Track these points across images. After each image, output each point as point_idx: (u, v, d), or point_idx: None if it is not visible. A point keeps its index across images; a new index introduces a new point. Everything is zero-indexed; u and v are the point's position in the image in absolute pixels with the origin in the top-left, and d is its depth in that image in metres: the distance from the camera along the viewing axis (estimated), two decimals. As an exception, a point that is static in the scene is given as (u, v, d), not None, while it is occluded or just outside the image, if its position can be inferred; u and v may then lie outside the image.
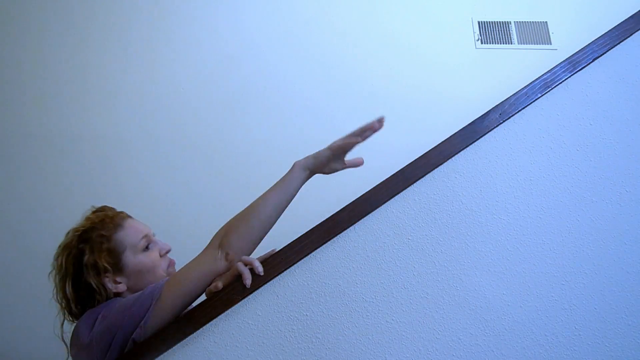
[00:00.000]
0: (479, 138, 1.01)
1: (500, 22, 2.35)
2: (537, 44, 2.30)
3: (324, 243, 0.93)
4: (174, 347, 0.88)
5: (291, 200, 1.01)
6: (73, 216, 1.81)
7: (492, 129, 1.02)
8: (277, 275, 0.91)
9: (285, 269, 0.92)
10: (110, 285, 1.03)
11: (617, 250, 0.96)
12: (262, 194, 1.02)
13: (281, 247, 0.94)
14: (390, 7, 2.34)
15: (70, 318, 1.07)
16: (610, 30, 1.11)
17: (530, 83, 1.06)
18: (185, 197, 1.92)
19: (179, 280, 0.96)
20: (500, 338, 0.90)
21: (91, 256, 1.02)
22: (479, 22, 2.35)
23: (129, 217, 1.14)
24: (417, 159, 1.00)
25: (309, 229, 0.95)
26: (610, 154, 1.02)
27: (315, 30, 2.26)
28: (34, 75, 2.04)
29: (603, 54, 1.09)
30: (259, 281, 0.90)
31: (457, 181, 0.99)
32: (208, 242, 1.00)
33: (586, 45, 1.09)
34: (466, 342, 0.90)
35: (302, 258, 0.93)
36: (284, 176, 1.03)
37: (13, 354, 1.69)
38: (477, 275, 0.93)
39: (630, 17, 1.13)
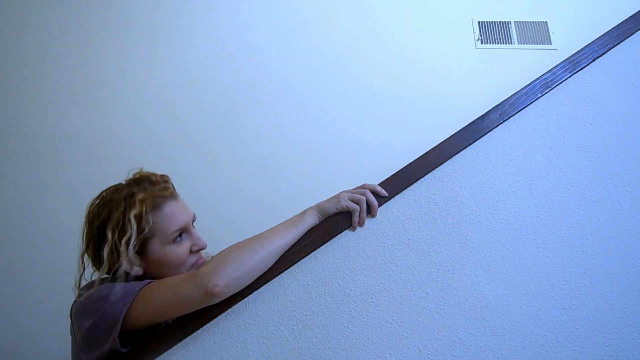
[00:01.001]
0: (479, 138, 1.01)
1: (500, 22, 2.35)
2: (537, 44, 2.30)
3: (324, 243, 0.93)
4: (174, 347, 0.88)
5: (289, 245, 0.92)
6: (71, 216, 1.82)
7: (492, 129, 1.02)
8: (277, 275, 0.91)
9: (285, 269, 0.92)
10: (126, 265, 0.92)
11: (617, 250, 0.96)
12: (270, 228, 0.93)
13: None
14: (390, 7, 2.34)
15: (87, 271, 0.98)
16: (610, 30, 1.11)
17: (530, 83, 1.06)
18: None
19: (156, 294, 0.85)
20: (500, 338, 0.90)
21: (124, 222, 0.93)
22: (479, 22, 2.35)
23: (174, 198, 1.02)
24: (417, 159, 1.00)
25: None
26: (610, 154, 1.02)
27: (315, 30, 2.26)
28: (34, 75, 2.04)
29: (603, 54, 1.09)
30: (259, 281, 0.90)
31: (457, 181, 0.99)
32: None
33: (586, 45, 1.09)
34: (466, 342, 0.90)
35: (302, 258, 0.92)
36: (294, 218, 0.94)
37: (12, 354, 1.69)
38: (477, 275, 0.93)
39: (630, 17, 1.13)
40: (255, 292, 0.90)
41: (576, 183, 1.00)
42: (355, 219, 0.93)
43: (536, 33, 2.32)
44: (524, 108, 1.03)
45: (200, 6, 2.22)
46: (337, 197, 0.96)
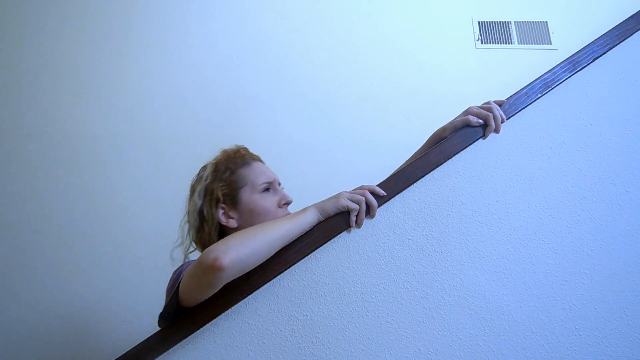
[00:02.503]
0: (479, 138, 1.01)
1: (500, 22, 2.35)
2: (537, 44, 2.30)
3: (324, 243, 0.93)
4: (174, 347, 0.88)
5: (293, 239, 0.93)
6: (70, 216, 1.82)
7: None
8: (277, 275, 0.91)
9: (285, 269, 0.92)
10: (222, 218, 1.07)
11: (617, 250, 0.96)
12: (271, 220, 0.97)
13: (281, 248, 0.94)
14: (390, 7, 2.34)
15: (194, 247, 1.12)
16: (610, 30, 1.11)
17: (530, 83, 1.06)
18: (182, 198, 1.92)
19: (184, 282, 0.90)
20: (500, 338, 0.90)
21: (211, 183, 1.08)
22: (479, 22, 2.35)
23: (261, 161, 1.17)
24: (417, 159, 1.00)
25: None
26: (610, 154, 1.02)
27: (314, 30, 2.26)
28: (31, 76, 2.03)
29: (603, 54, 1.09)
30: (259, 281, 0.90)
31: (457, 181, 0.99)
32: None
33: (586, 45, 1.09)
34: (466, 342, 0.90)
35: (302, 258, 0.92)
36: (295, 213, 0.96)
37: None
38: (477, 275, 0.93)
39: (630, 17, 1.13)
40: (255, 292, 0.90)
41: (576, 183, 1.00)
42: (353, 218, 0.93)
43: (536, 33, 2.32)
44: (524, 108, 1.03)
45: (197, 6, 2.22)
46: (337, 196, 0.96)
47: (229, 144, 2.03)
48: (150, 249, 1.82)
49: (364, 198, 0.94)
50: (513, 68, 2.17)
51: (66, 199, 1.87)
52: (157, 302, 1.76)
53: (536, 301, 0.93)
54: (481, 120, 1.00)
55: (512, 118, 1.03)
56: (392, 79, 2.19)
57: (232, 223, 1.07)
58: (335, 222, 0.95)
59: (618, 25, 1.12)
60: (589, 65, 1.08)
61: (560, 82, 1.06)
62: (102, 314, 1.73)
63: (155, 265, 1.80)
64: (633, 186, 1.01)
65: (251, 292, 0.90)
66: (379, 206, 0.95)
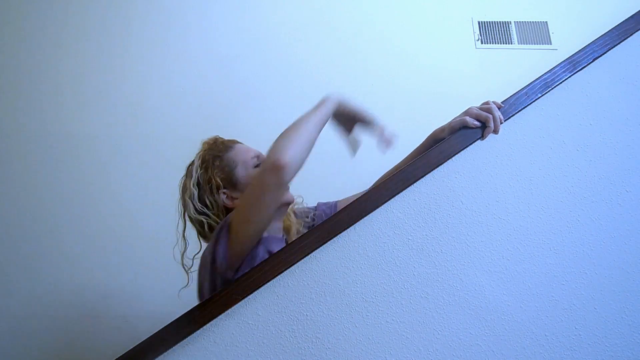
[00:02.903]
0: (479, 138, 1.01)
1: (500, 22, 2.35)
2: (537, 44, 2.29)
3: (324, 243, 0.93)
4: (174, 347, 0.88)
5: (322, 128, 1.02)
6: (71, 216, 1.82)
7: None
8: (277, 275, 0.91)
9: (285, 269, 0.92)
10: (227, 201, 1.12)
11: (617, 250, 0.96)
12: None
13: (281, 247, 0.94)
14: (389, 7, 2.34)
15: (200, 239, 1.17)
16: (610, 30, 1.11)
17: (530, 83, 1.05)
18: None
19: (244, 200, 1.01)
20: (500, 338, 0.90)
21: (205, 174, 1.13)
22: (479, 22, 2.35)
23: (239, 142, 1.23)
24: (417, 159, 1.00)
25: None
26: (610, 154, 1.02)
27: (314, 30, 2.26)
28: (30, 76, 2.03)
29: (603, 54, 1.09)
30: (259, 281, 0.90)
31: (457, 181, 0.99)
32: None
33: (586, 45, 1.09)
34: (466, 342, 0.90)
35: (302, 258, 0.92)
36: (317, 105, 1.04)
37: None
38: (477, 275, 0.93)
39: (630, 17, 1.12)
40: (255, 292, 0.90)
41: (576, 183, 1.00)
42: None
43: (536, 33, 2.32)
44: (524, 108, 1.03)
45: (198, 6, 2.22)
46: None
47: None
48: (151, 248, 1.82)
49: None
50: (513, 68, 2.16)
51: (66, 198, 1.87)
52: (157, 302, 1.76)
53: (536, 301, 0.93)
54: (478, 123, 1.00)
55: (512, 118, 1.03)
56: (392, 79, 2.18)
57: (237, 202, 1.12)
58: (335, 222, 0.95)
59: (618, 25, 1.12)
60: (589, 65, 1.08)
61: (560, 82, 1.06)
62: (102, 314, 1.73)
63: (156, 265, 1.81)
64: (633, 186, 1.01)
65: (251, 292, 0.90)
66: (378, 205, 0.95)
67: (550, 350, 0.90)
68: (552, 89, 1.05)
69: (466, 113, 1.04)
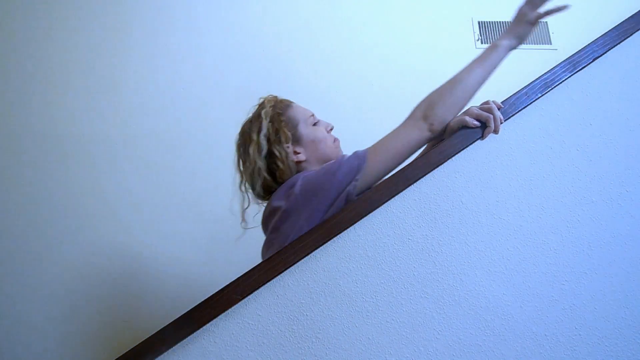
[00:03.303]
0: (479, 138, 1.01)
1: (500, 22, 2.35)
2: (537, 44, 2.30)
3: (324, 243, 0.93)
4: (174, 347, 0.88)
5: (489, 76, 1.07)
6: (76, 215, 1.82)
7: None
8: (277, 275, 0.91)
9: (285, 269, 0.92)
10: (292, 155, 1.17)
11: (617, 250, 0.96)
12: (465, 67, 1.07)
13: (281, 247, 0.94)
14: (389, 7, 2.34)
15: (258, 199, 1.22)
16: (610, 30, 1.11)
17: (530, 83, 1.06)
18: (186, 195, 1.92)
19: (386, 147, 1.04)
20: (500, 338, 0.90)
21: (273, 126, 1.17)
22: (479, 22, 2.35)
23: (293, 102, 1.28)
24: (417, 159, 1.00)
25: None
26: (610, 154, 1.02)
27: (316, 30, 2.26)
28: (36, 74, 2.03)
29: (603, 54, 1.09)
30: (259, 281, 0.90)
31: (457, 181, 0.99)
32: (408, 115, 1.07)
33: (586, 45, 1.09)
34: (466, 342, 0.90)
35: (302, 258, 0.92)
36: (486, 51, 1.07)
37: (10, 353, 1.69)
38: (477, 275, 0.93)
39: (630, 17, 1.13)
40: (255, 292, 0.90)
41: (576, 183, 1.00)
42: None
43: (536, 33, 2.32)
44: (524, 108, 1.03)
45: (203, 5, 2.22)
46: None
47: (231, 142, 2.04)
48: (151, 249, 1.82)
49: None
50: (513, 68, 2.16)
51: (66, 198, 1.87)
52: (157, 302, 1.76)
53: (536, 301, 0.93)
54: (477, 122, 1.01)
55: (512, 118, 1.03)
56: (392, 79, 2.18)
57: (301, 157, 1.17)
58: (335, 222, 0.95)
59: (618, 25, 1.12)
60: (589, 65, 1.08)
61: (560, 82, 1.06)
62: (102, 314, 1.74)
63: (156, 265, 1.81)
64: (633, 186, 1.01)
65: (251, 292, 0.90)
66: (382, 202, 0.95)
67: (550, 350, 0.90)
68: (552, 89, 1.05)
69: (466, 113, 1.04)
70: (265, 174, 1.15)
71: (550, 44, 2.30)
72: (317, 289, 0.91)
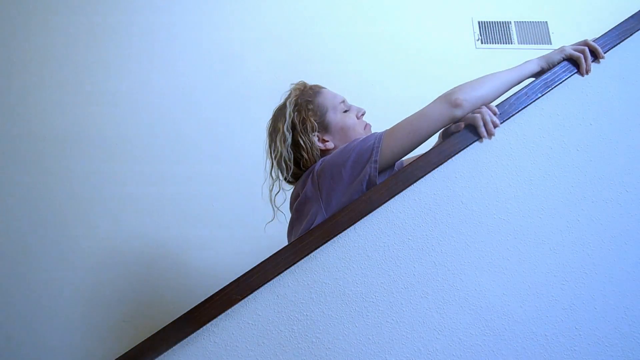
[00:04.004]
0: (479, 138, 1.01)
1: (500, 22, 2.35)
2: (537, 44, 2.30)
3: (324, 243, 0.93)
4: (174, 347, 0.88)
5: (516, 85, 1.07)
6: (75, 215, 1.82)
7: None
8: (277, 275, 0.91)
9: (285, 269, 0.92)
10: (319, 143, 1.18)
11: (617, 250, 0.96)
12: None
13: (281, 247, 0.94)
14: (390, 7, 2.34)
15: (286, 181, 1.23)
16: (610, 30, 1.11)
17: (530, 83, 1.06)
18: (184, 194, 1.92)
19: (403, 125, 1.04)
20: (500, 338, 0.90)
21: (299, 115, 1.18)
22: (479, 22, 2.35)
23: (324, 87, 1.28)
24: (417, 159, 1.00)
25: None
26: (610, 154, 1.02)
27: (315, 30, 2.26)
28: (35, 74, 2.04)
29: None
30: (259, 281, 0.90)
31: (457, 181, 0.99)
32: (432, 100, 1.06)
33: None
34: (466, 342, 0.90)
35: (302, 258, 0.92)
36: (520, 65, 1.08)
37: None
38: (477, 275, 0.93)
39: (630, 17, 1.13)
40: (255, 292, 0.90)
41: (576, 183, 1.00)
42: (583, 65, 1.05)
43: (536, 33, 2.32)
44: (524, 108, 1.03)
45: (200, 5, 2.22)
46: (561, 48, 1.08)
47: (232, 143, 2.03)
48: (151, 249, 1.82)
49: (586, 47, 1.06)
50: (513, 68, 2.16)
51: (65, 198, 1.87)
52: (157, 302, 1.76)
53: (536, 301, 0.93)
54: (462, 126, 1.01)
55: (512, 118, 1.03)
56: (393, 79, 2.19)
57: (329, 145, 1.18)
58: (335, 222, 0.95)
59: (618, 25, 1.12)
60: (594, 63, 1.08)
61: (560, 82, 1.06)
62: (102, 314, 1.74)
63: (156, 265, 1.81)
64: (633, 186, 1.01)
65: (251, 292, 0.90)
66: (375, 207, 0.95)
67: (550, 350, 0.90)
68: (552, 89, 1.05)
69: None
70: (291, 163, 1.17)
71: (550, 44, 2.30)
72: (317, 289, 0.91)
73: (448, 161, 0.99)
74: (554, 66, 1.07)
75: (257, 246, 1.84)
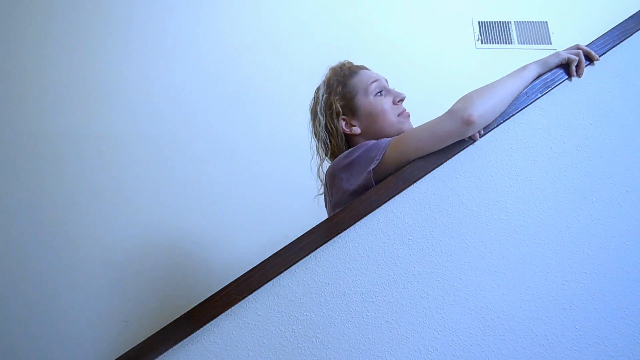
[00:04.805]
0: (479, 138, 1.01)
1: (500, 22, 2.35)
2: (537, 44, 2.30)
3: (324, 243, 0.94)
4: (174, 347, 0.88)
5: (518, 94, 1.02)
6: (75, 215, 1.82)
7: (493, 129, 1.02)
8: (277, 275, 0.91)
9: (285, 269, 0.92)
10: (345, 128, 1.15)
11: (617, 250, 0.96)
12: (497, 80, 1.04)
13: (281, 247, 0.94)
14: (390, 7, 2.34)
15: (325, 158, 1.22)
16: (610, 30, 1.11)
17: (530, 83, 1.06)
18: (183, 195, 1.92)
19: (409, 136, 1.00)
20: (500, 338, 0.90)
21: (328, 99, 1.16)
22: (479, 22, 2.35)
23: (366, 68, 1.24)
24: (418, 158, 1.00)
25: (309, 229, 0.95)
26: (610, 154, 1.02)
27: (315, 30, 2.26)
28: (34, 74, 2.04)
29: (603, 54, 1.09)
30: (259, 281, 0.90)
31: (457, 181, 0.99)
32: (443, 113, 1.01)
33: (586, 45, 1.09)
34: (466, 342, 0.90)
35: (302, 258, 0.93)
36: (519, 71, 1.04)
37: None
38: (477, 275, 0.93)
39: (630, 17, 1.13)
40: (255, 292, 0.90)
41: (576, 183, 1.00)
42: (573, 68, 1.04)
43: (536, 33, 2.32)
44: (524, 108, 1.03)
45: (200, 5, 2.22)
46: (556, 53, 1.06)
47: (231, 143, 2.04)
48: (151, 249, 1.82)
49: (581, 50, 1.05)
50: (513, 68, 2.16)
51: (65, 197, 1.87)
52: (157, 302, 1.76)
53: (536, 301, 0.93)
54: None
55: (512, 118, 1.03)
56: (392, 80, 2.17)
57: (356, 130, 1.15)
58: (335, 222, 0.95)
59: (618, 25, 1.12)
60: (589, 66, 1.08)
61: (560, 82, 1.06)
62: (102, 314, 1.74)
63: (156, 265, 1.81)
64: (633, 186, 1.01)
65: (251, 292, 0.90)
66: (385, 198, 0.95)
67: (550, 350, 0.90)
68: (552, 89, 1.05)
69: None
70: (329, 144, 1.17)
71: (550, 44, 2.30)
72: (317, 289, 0.92)
73: (448, 161, 0.99)
74: (550, 70, 1.06)
75: (258, 246, 1.84)
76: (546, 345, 0.90)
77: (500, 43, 2.30)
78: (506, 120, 1.02)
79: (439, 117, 0.99)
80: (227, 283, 0.92)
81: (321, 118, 1.17)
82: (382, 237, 0.95)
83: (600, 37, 1.11)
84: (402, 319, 0.90)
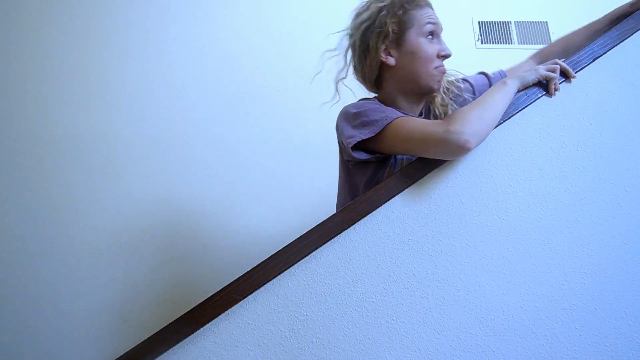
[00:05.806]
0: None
1: (500, 22, 2.35)
2: (537, 44, 2.29)
3: (324, 243, 0.94)
4: (174, 347, 0.88)
5: (504, 110, 1.01)
6: (75, 216, 1.82)
7: (492, 129, 1.02)
8: (277, 275, 0.91)
9: (285, 269, 0.92)
10: (383, 54, 1.12)
11: (617, 250, 0.96)
12: (483, 96, 1.02)
13: (281, 247, 0.94)
14: (390, 7, 2.33)
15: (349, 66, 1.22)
16: (610, 30, 1.11)
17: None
18: (182, 196, 1.92)
19: (404, 142, 1.00)
20: (500, 338, 0.90)
21: (385, 16, 1.10)
22: (479, 22, 2.35)
23: (431, 7, 1.19)
24: (417, 158, 1.00)
25: (309, 229, 0.96)
26: (610, 154, 1.02)
27: (315, 29, 2.26)
28: (34, 74, 2.03)
29: (603, 54, 1.09)
30: (259, 281, 0.90)
31: (457, 181, 0.99)
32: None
33: (586, 45, 1.09)
34: (466, 342, 0.90)
35: (302, 258, 0.93)
36: (500, 87, 1.02)
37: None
38: (477, 275, 0.93)
39: (630, 17, 1.13)
40: (255, 292, 0.90)
41: (576, 183, 1.00)
42: (552, 86, 1.03)
43: (536, 33, 2.32)
44: (524, 108, 1.03)
45: (200, 5, 2.22)
46: (535, 69, 1.05)
47: (231, 143, 2.03)
48: (151, 249, 1.82)
49: (558, 66, 1.04)
50: (513, 68, 2.16)
51: (65, 197, 1.87)
52: (157, 303, 1.76)
53: (536, 301, 0.93)
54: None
55: (512, 118, 1.03)
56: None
57: (391, 60, 1.12)
58: (335, 222, 0.95)
59: (618, 25, 1.12)
60: (589, 65, 1.08)
61: (560, 82, 1.06)
62: (102, 314, 1.74)
63: (156, 266, 1.81)
64: (633, 186, 1.01)
65: (251, 292, 0.90)
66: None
67: (550, 350, 0.90)
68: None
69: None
70: (362, 56, 1.14)
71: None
72: (317, 289, 0.92)
73: (448, 161, 0.99)
74: (527, 87, 1.04)
75: (258, 246, 1.84)
76: (546, 345, 0.90)
77: (501, 43, 2.30)
78: (506, 120, 1.02)
79: (436, 123, 0.97)
80: (227, 283, 0.92)
81: (364, 25, 1.12)
82: (382, 237, 0.95)
83: (600, 37, 1.10)
84: (402, 319, 0.90)
